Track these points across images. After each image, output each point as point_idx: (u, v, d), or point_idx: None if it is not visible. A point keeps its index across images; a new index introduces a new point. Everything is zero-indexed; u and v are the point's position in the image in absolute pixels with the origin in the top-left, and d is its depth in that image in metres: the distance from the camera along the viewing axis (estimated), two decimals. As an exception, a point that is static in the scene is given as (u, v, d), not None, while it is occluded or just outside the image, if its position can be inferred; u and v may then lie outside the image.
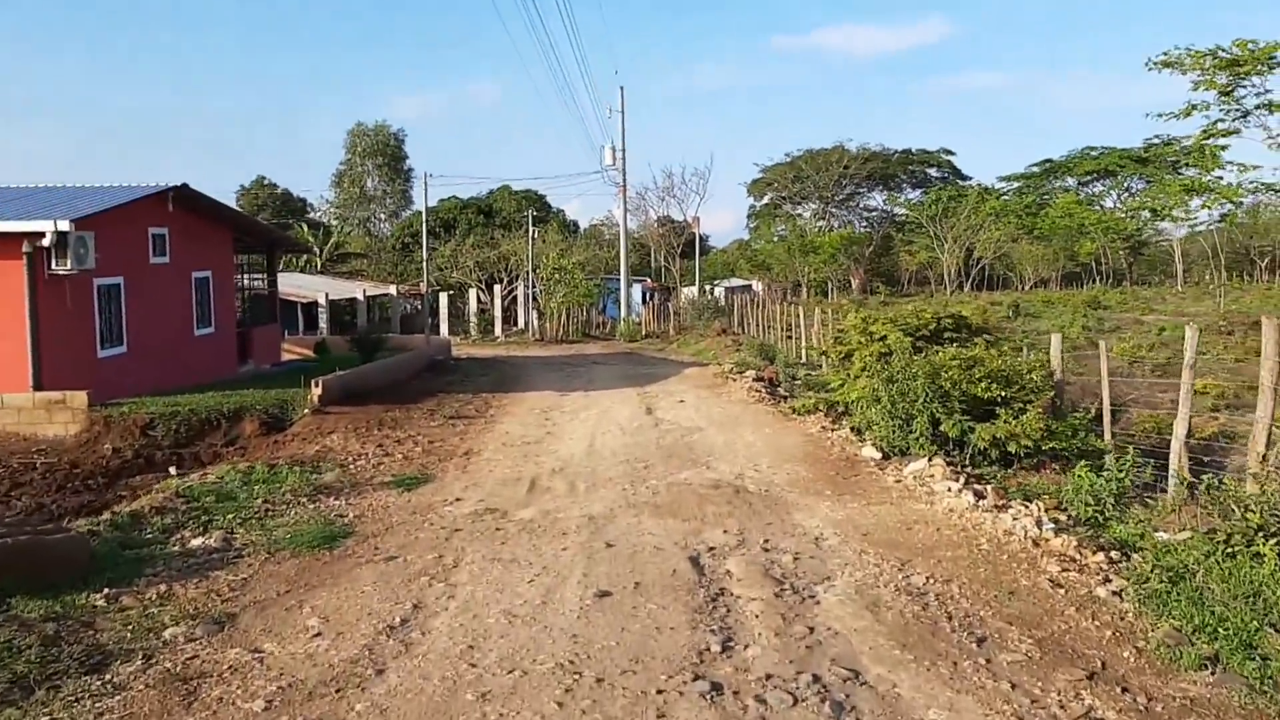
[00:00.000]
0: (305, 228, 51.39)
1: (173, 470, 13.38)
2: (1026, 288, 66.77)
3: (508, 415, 16.34)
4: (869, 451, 11.43)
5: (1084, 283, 69.04)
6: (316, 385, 16.60)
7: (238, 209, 21.05)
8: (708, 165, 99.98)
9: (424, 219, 30.40)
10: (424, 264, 30.79)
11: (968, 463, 10.88)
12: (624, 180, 36.00)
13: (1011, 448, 10.25)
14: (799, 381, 21.03)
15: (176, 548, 7.63)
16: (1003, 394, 11.00)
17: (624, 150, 35.49)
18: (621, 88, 36.01)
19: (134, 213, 18.50)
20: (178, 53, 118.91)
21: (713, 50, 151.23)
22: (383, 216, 60.63)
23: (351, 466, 11.37)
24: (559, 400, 18.43)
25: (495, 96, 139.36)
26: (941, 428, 10.82)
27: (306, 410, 15.75)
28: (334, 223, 58.87)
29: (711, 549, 7.60)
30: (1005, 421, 10.80)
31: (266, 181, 64.04)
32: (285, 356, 30.11)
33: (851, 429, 13.22)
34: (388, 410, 16.41)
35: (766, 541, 7.81)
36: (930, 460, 10.29)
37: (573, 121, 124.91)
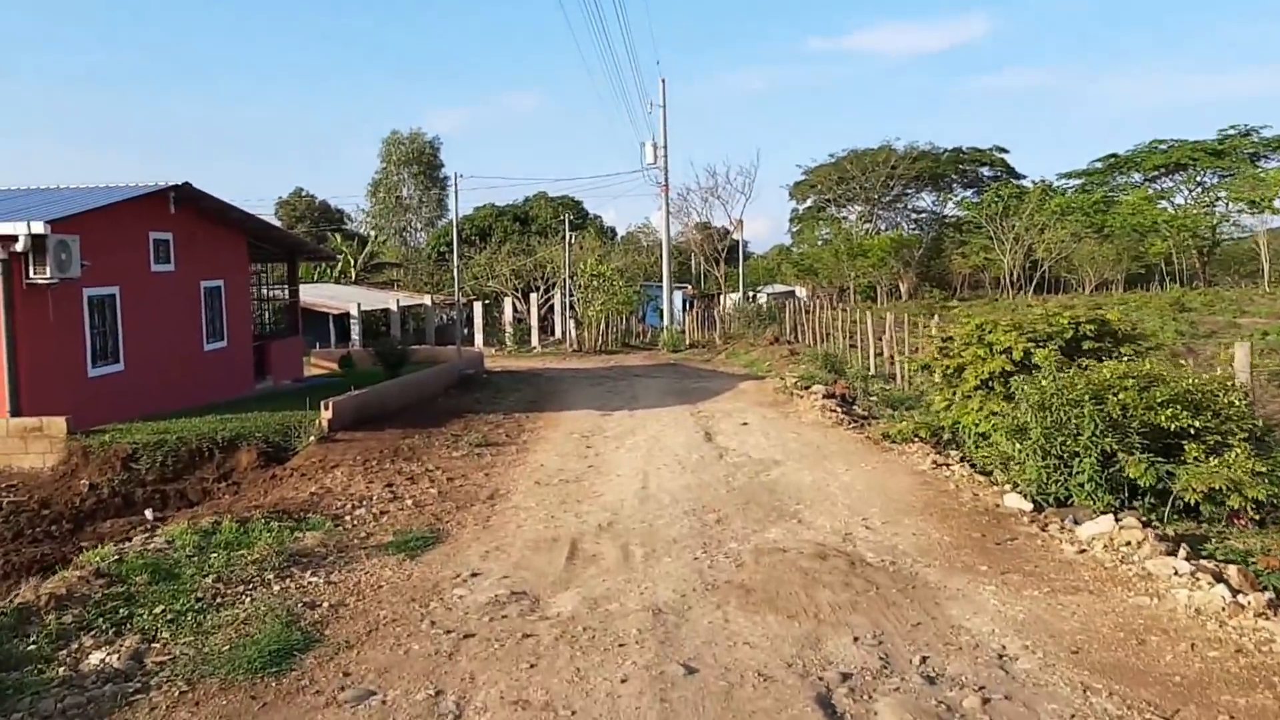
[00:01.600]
0: (339, 237, 49.67)
1: (149, 514, 11.10)
2: (1088, 291, 62.81)
3: (542, 441, 13.82)
4: (1014, 500, 8.66)
5: (1149, 285, 64.85)
6: (326, 408, 14.27)
7: (252, 213, 18.75)
8: (754, 163, 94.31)
9: (454, 221, 28.14)
10: (455, 270, 28.55)
11: (1150, 515, 8.12)
12: (665, 178, 33.48)
13: (1233, 501, 7.45)
14: (875, 398, 18.25)
15: (62, 669, 5.19)
16: (1194, 424, 8.21)
17: (666, 146, 32.94)
18: (663, 79, 33.61)
19: (129, 215, 16.39)
20: (209, 64, 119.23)
21: (748, 55, 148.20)
22: (419, 226, 58.82)
23: (348, 519, 8.90)
24: (600, 422, 15.88)
25: (533, 105, 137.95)
26: (1122, 470, 8.06)
27: (312, 438, 13.39)
28: (371, 233, 57.16)
29: (845, 677, 4.96)
30: (1197, 459, 8.04)
31: (305, 193, 62.75)
32: (312, 371, 28.07)
33: (973, 465, 10.48)
34: (406, 436, 14.00)
35: (924, 662, 5.15)
36: (1118, 519, 7.52)
37: (612, 123, 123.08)
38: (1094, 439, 8.25)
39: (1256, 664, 4.90)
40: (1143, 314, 35.73)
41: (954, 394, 11.88)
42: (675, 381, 23.14)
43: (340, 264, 45.42)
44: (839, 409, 16.32)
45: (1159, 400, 8.49)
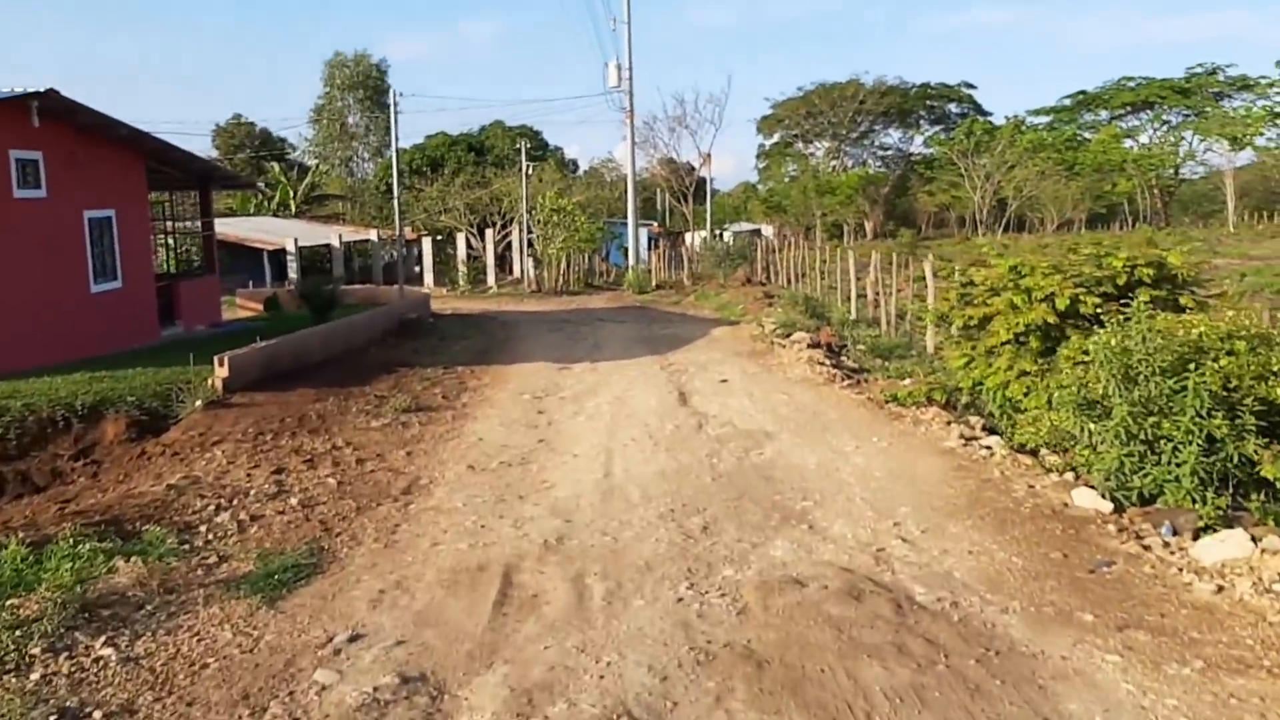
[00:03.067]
0: (277, 166, 45.85)
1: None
2: (1050, 229, 61.35)
3: (485, 405, 11.48)
4: (1086, 498, 6.57)
5: (1109, 225, 63.57)
6: (221, 364, 11.73)
7: (148, 131, 15.76)
8: (724, 90, 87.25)
9: (394, 147, 25.14)
10: (397, 202, 25.64)
11: (1266, 516, 6.12)
12: (630, 104, 30.48)
13: None
14: (863, 347, 16.17)
15: None
16: (1328, 399, 6.17)
17: (631, 68, 29.88)
18: (628, -4, 30.25)
19: (-24, 128, 13.40)
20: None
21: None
22: (365, 155, 54.76)
23: (203, 529, 6.52)
24: (557, 377, 13.56)
25: (490, 34, 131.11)
26: (1229, 459, 6.02)
27: (199, 403, 10.89)
28: (314, 162, 53.15)
29: None
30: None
31: (244, 120, 58.19)
32: (237, 314, 25.23)
33: (1005, 438, 8.42)
34: (319, 398, 11.56)
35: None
36: (1253, 537, 5.47)
37: (576, 51, 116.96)
38: (1198, 421, 6.17)
39: None
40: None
41: (974, 349, 9.76)
42: (642, 327, 20.83)
43: (278, 195, 41.85)
44: (827, 361, 14.20)
45: (1276, 368, 6.43)
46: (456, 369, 14.55)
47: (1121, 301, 8.01)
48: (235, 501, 7.25)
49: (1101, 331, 7.21)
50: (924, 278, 18.31)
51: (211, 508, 7.07)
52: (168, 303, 18.88)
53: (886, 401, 10.49)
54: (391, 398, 11.77)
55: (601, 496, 7.08)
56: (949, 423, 9.20)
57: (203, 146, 67.04)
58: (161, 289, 18.76)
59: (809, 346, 15.70)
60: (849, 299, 21.20)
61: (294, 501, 7.22)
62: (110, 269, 16.63)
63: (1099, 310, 8.04)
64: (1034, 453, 8.01)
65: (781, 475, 7.57)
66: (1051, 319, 8.32)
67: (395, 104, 24.35)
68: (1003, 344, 9.14)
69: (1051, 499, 6.68)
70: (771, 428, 9.41)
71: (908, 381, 11.96)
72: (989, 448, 8.15)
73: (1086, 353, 7.35)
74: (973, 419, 9.68)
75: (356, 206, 51.28)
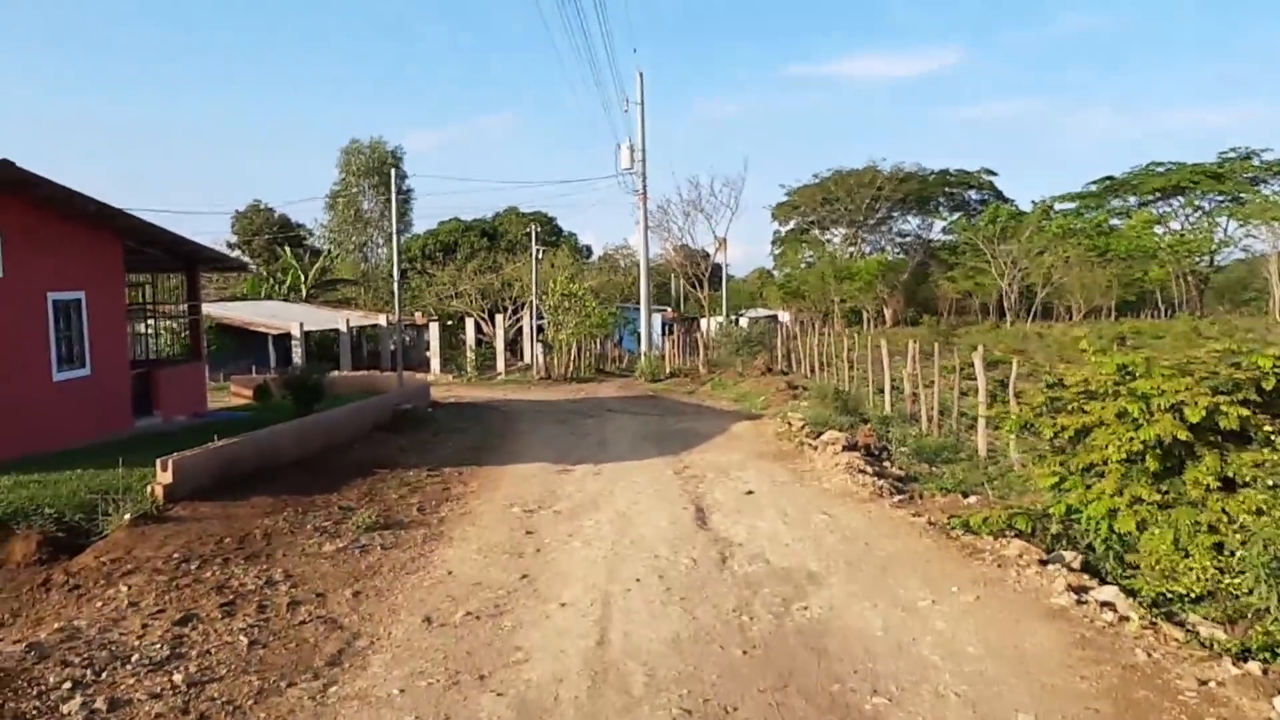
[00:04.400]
0: (289, 251, 45.22)
1: None
2: (1078, 318, 59.57)
3: (466, 521, 9.60)
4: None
5: (1139, 312, 61.74)
6: (164, 468, 9.99)
7: (123, 209, 14.48)
8: (741, 174, 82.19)
9: (394, 224, 23.96)
10: (396, 286, 24.33)
11: None
12: (644, 185, 29.35)
13: None
14: (906, 449, 14.24)
15: None
16: None
17: (644, 149, 28.89)
18: (640, 73, 29.48)
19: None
20: (172, 70, 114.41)
21: (726, 82, 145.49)
22: (379, 241, 54.34)
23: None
24: (555, 483, 11.70)
25: (507, 125, 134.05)
26: None
27: (127, 517, 9.09)
28: (329, 247, 52.72)
29: None
30: None
31: (263, 206, 58.25)
32: (233, 401, 23.69)
33: (1136, 599, 6.42)
34: (274, 511, 9.75)
35: None
36: None
37: (590, 137, 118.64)
38: None
39: None
40: (1164, 345, 32.17)
41: (1068, 466, 7.86)
42: (655, 420, 19.02)
43: (289, 279, 40.98)
44: (869, 468, 12.28)
45: None
46: (443, 471, 12.73)
47: (1275, 414, 6.18)
48: (105, 675, 5.36)
49: (1268, 453, 5.35)
50: (954, 368, 16.53)
51: (67, 685, 5.19)
52: (144, 391, 17.34)
53: (957, 530, 8.53)
54: (359, 510, 9.92)
55: (591, 681, 5.14)
56: (1042, 561, 7.23)
57: (222, 230, 67.34)
58: (138, 376, 17.25)
59: (845, 449, 13.80)
60: (882, 391, 19.37)
61: (180, 677, 5.31)
62: (77, 355, 15.12)
63: (1247, 424, 6.19)
64: (1170, 611, 6.03)
65: (838, 648, 5.61)
66: (1182, 434, 6.44)
67: (395, 184, 23.32)
68: (1110, 463, 7.27)
69: (1245, 710, 4.65)
70: (815, 565, 7.45)
71: (972, 500, 10.01)
72: (1110, 606, 6.15)
73: (1228, 481, 5.50)
74: (1067, 554, 7.71)
75: (370, 291, 50.56)
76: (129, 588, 7.12)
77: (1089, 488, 7.69)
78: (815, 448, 14.21)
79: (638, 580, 7.11)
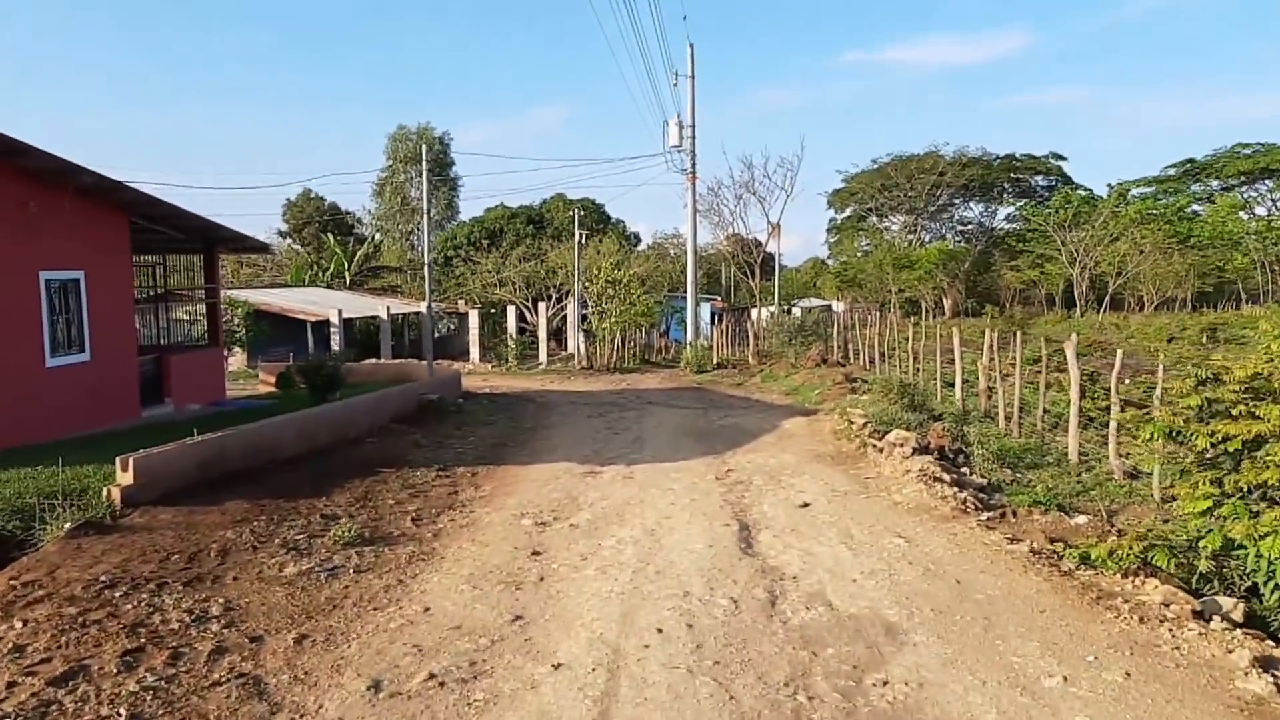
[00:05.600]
0: (332, 238, 44.44)
1: None
2: (1148, 309, 55.70)
3: (465, 536, 7.99)
4: None
5: (1217, 304, 57.51)
6: (125, 467, 8.62)
7: (126, 183, 13.25)
8: (797, 154, 67.46)
9: (425, 197, 22.55)
10: (427, 270, 23.01)
11: None
12: (693, 164, 27.42)
13: None
14: (987, 452, 12.23)
15: None
16: None
17: (694, 124, 26.93)
18: (691, 44, 27.54)
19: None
20: (228, 62, 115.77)
21: (783, 70, 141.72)
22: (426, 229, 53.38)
23: None
24: (578, 488, 10.05)
25: (561, 118, 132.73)
26: None
27: (67, 525, 7.70)
28: (376, 236, 51.97)
29: None
30: None
31: (314, 195, 57.86)
32: (261, 389, 22.64)
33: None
34: (244, 519, 8.28)
35: None
36: None
37: (642, 125, 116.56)
38: None
39: None
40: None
41: (1225, 487, 5.90)
42: (698, 414, 17.25)
43: (332, 266, 40.14)
44: (946, 475, 10.35)
45: None
46: (455, 471, 11.19)
47: None
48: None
49: None
50: (1033, 359, 14.42)
51: None
52: (156, 378, 16.22)
53: (1068, 560, 6.61)
54: (344, 518, 8.41)
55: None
56: (1195, 613, 5.29)
57: (272, 217, 67.42)
58: (149, 363, 16.14)
59: (916, 451, 11.89)
60: (950, 385, 17.26)
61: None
62: (75, 339, 13.97)
63: None
64: None
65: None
66: None
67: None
68: (1288, 483, 5.32)
69: None
70: (893, 612, 5.63)
71: (1079, 521, 8.04)
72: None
73: None
74: (1223, 601, 5.77)
75: (415, 279, 49.67)
76: (23, 624, 5.67)
77: (1256, 515, 5.75)
78: (881, 449, 12.30)
79: (659, 631, 5.39)
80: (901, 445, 12.38)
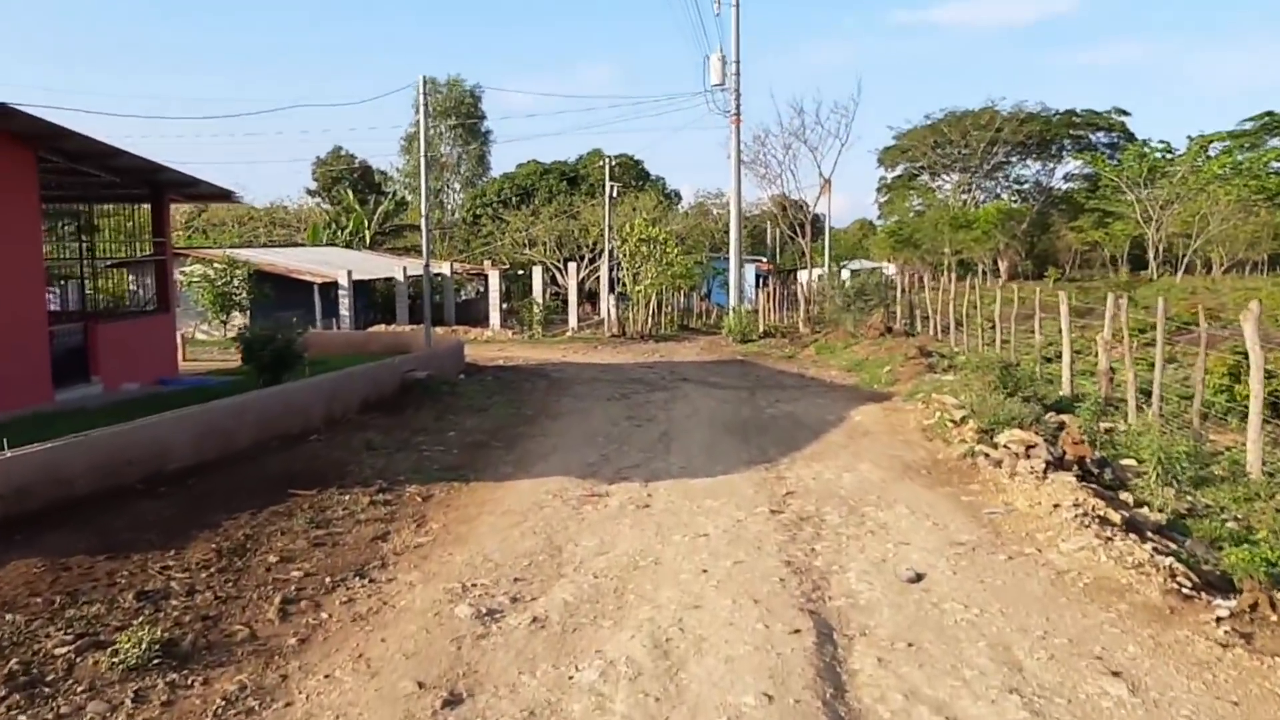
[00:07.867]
0: (350, 194, 41.27)
1: None
2: (1218, 271, 49.97)
3: (351, 646, 4.51)
4: None
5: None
6: None
7: (23, 110, 9.74)
8: (853, 98, 62.93)
9: (422, 144, 19.02)
10: (425, 222, 19.61)
11: None
12: (737, 104, 23.28)
13: None
14: (1147, 466, 8.46)
15: None
16: None
17: (738, 60, 22.77)
18: (736, -28, 23.36)
19: None
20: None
21: (828, 29, 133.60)
22: (456, 187, 49.91)
23: None
24: (569, 526, 6.54)
25: (604, 76, 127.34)
26: None
27: None
28: (404, 194, 48.69)
29: None
30: None
31: (344, 152, 54.71)
32: (231, 363, 19.52)
33: None
34: (9, 600, 4.95)
35: None
36: None
37: (684, 68, 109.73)
38: None
39: None
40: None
41: None
42: (742, 398, 13.60)
43: (351, 225, 37.02)
44: (1114, 514, 6.64)
45: None
46: (404, 491, 7.77)
47: None
48: None
49: None
50: (1141, 329, 10.56)
51: None
52: (79, 351, 13.09)
53: None
54: (174, 598, 5.03)
55: None
56: None
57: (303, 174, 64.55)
58: (70, 332, 13.00)
59: (1050, 465, 8.17)
60: (1049, 361, 13.32)
61: None
62: (-42, 305, 10.83)
63: None
64: None
65: None
66: None
67: (423, 91, 18.36)
68: None
69: None
70: None
71: None
72: None
73: None
74: None
75: (445, 240, 46.40)
76: None
77: None
78: (998, 461, 8.57)
79: None
80: (1023, 453, 8.66)
